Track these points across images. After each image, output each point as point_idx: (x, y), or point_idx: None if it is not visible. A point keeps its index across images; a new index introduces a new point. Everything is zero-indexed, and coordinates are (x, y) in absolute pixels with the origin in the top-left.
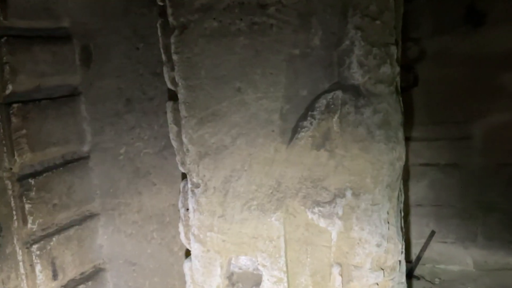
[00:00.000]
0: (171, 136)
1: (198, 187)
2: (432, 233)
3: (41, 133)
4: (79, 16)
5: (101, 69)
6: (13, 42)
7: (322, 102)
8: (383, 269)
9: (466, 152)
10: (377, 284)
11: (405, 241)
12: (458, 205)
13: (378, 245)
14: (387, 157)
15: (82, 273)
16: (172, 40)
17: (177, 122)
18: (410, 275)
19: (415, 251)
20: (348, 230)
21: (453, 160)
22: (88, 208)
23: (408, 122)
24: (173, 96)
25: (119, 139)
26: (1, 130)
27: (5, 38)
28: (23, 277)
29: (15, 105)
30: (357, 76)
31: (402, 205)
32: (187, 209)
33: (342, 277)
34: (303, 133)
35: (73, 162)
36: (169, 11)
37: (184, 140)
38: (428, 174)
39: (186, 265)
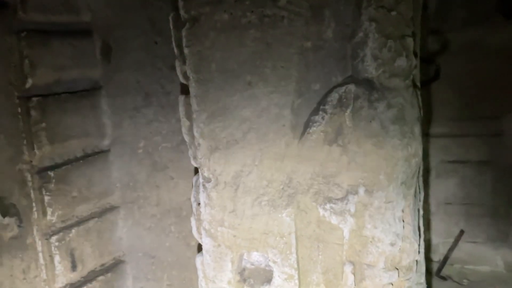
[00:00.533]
0: (183, 130)
1: (209, 182)
2: (461, 232)
3: (60, 126)
4: (99, 10)
5: (121, 63)
6: (32, 36)
7: (334, 96)
8: (397, 269)
9: (497, 148)
10: (392, 284)
11: (427, 241)
12: (488, 204)
13: (392, 244)
14: (401, 153)
15: (102, 265)
16: (183, 33)
17: (189, 116)
18: (437, 275)
19: (443, 251)
20: (361, 228)
21: (484, 157)
22: (108, 200)
23: (436, 117)
24: (185, 90)
25: (138, 133)
26: (21, 123)
27: (25, 32)
28: (43, 267)
29: (34, 99)
30: (370, 70)
31: (421, 203)
32: (199, 204)
33: (354, 275)
34: (314, 128)
35: (93, 155)
36: (180, 4)
37: (195, 134)
38: (457, 171)
39: (198, 259)
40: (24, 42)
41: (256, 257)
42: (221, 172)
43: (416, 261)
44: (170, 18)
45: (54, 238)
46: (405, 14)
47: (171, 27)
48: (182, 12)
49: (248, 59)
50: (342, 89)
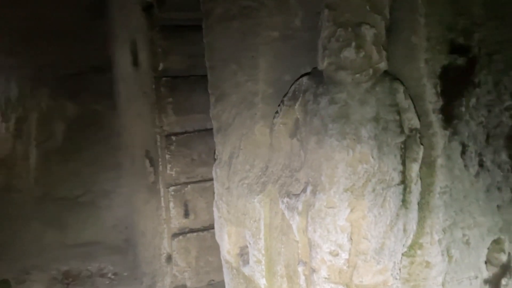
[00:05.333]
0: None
1: (217, 159)
2: None
3: (186, 103)
4: None
5: None
6: (166, 30)
7: (292, 88)
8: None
9: None
10: None
11: None
12: None
13: (332, 253)
14: (339, 155)
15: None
16: (203, 25)
17: None
18: None
19: None
20: (304, 229)
21: None
22: None
23: None
24: None
25: None
26: (154, 97)
27: (159, 27)
28: (163, 209)
29: (164, 79)
30: (319, 61)
31: (410, 223)
32: None
33: (305, 277)
34: (276, 119)
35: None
36: (201, 0)
37: (210, 115)
38: None
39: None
40: (158, 35)
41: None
42: (222, 151)
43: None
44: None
45: (171, 188)
46: None
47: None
48: (201, 6)
49: (233, 49)
50: (298, 81)
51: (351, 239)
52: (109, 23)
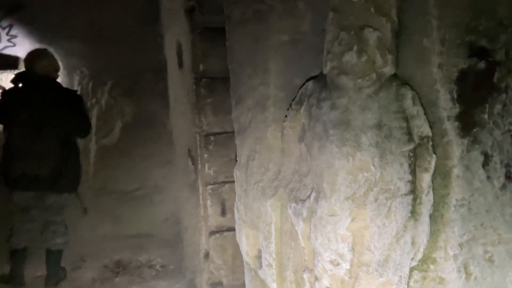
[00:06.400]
0: None
1: (237, 161)
2: None
3: (224, 104)
4: None
5: None
6: (206, 32)
7: (299, 92)
8: None
9: None
10: None
11: None
12: None
13: (333, 263)
14: (339, 162)
15: None
16: (226, 29)
17: None
18: None
19: None
20: (308, 235)
21: None
22: None
23: None
24: None
25: None
26: (195, 98)
27: (199, 29)
28: (201, 206)
29: (204, 80)
30: (324, 65)
31: (420, 236)
32: None
33: (310, 284)
34: (285, 123)
35: None
36: (224, 3)
37: (232, 117)
38: None
39: None
40: (199, 37)
41: None
42: (241, 153)
43: None
44: None
45: (209, 187)
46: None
47: None
48: (224, 10)
49: (248, 53)
50: (304, 85)
51: (353, 249)
52: (160, 27)
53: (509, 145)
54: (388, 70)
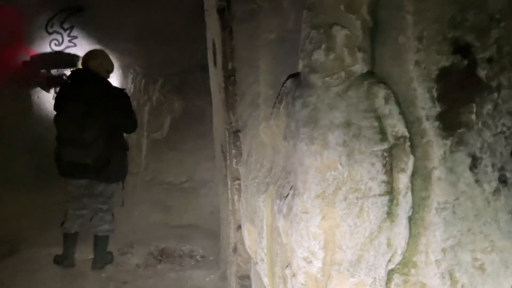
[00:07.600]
0: None
1: (241, 157)
2: None
3: None
4: None
5: None
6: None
7: (281, 90)
8: None
9: None
10: None
11: None
12: None
13: (306, 260)
14: (308, 160)
15: None
16: (232, 27)
17: None
18: None
19: None
20: (286, 232)
21: None
22: None
23: None
24: None
25: None
26: (224, 95)
27: (229, 28)
28: (230, 201)
29: (232, 77)
30: (298, 64)
31: (397, 238)
32: None
33: (291, 280)
34: (271, 121)
35: None
36: (231, 3)
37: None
38: None
39: None
40: (228, 36)
41: None
42: (243, 150)
43: None
44: None
45: (236, 182)
46: None
47: None
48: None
49: (245, 51)
50: (285, 83)
51: (325, 247)
52: (204, 26)
53: (502, 148)
54: (358, 68)
